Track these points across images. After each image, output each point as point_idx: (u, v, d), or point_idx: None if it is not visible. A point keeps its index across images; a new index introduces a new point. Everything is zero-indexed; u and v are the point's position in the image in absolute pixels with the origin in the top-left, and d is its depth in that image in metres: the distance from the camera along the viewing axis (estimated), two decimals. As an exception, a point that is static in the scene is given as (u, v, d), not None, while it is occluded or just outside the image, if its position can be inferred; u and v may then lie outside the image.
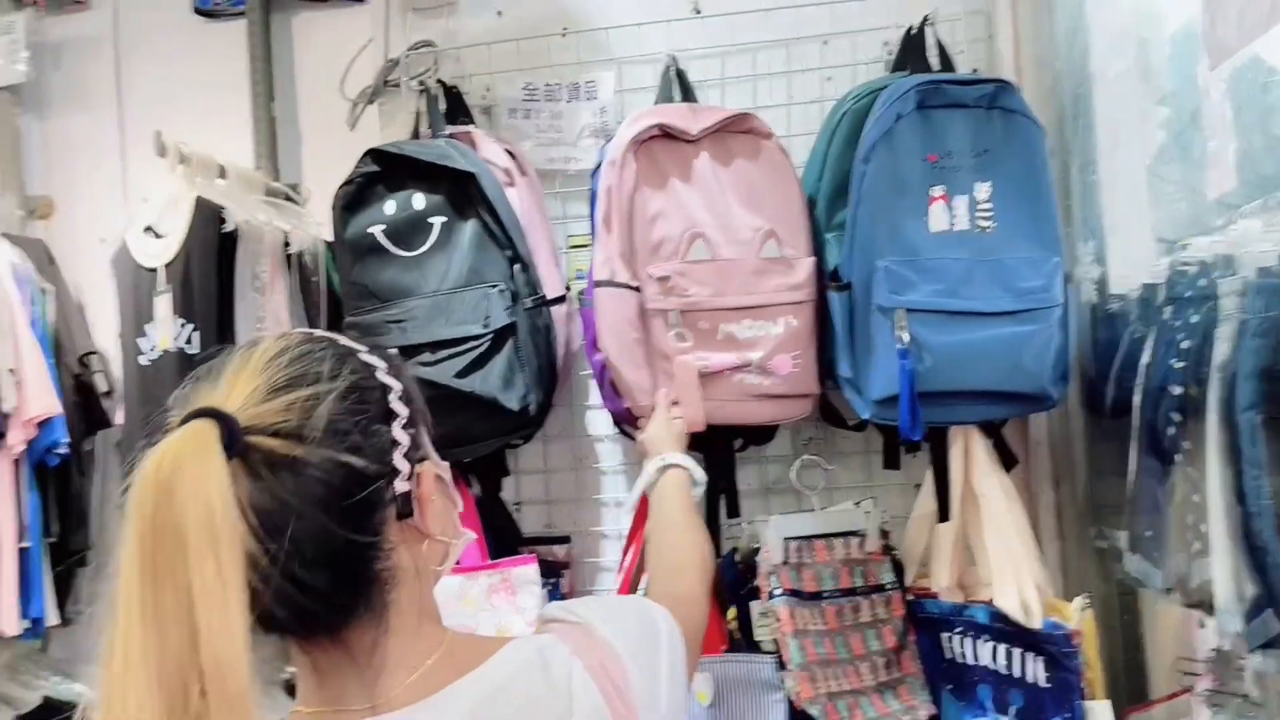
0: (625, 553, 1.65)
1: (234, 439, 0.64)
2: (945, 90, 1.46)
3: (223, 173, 1.85)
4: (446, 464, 0.81)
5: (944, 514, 1.53)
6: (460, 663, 0.75)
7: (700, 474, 1.30)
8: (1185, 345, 1.20)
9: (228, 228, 1.73)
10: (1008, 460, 1.55)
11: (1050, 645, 1.37)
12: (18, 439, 1.73)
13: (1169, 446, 1.24)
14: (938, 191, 1.47)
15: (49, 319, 1.90)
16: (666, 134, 1.53)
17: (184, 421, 0.64)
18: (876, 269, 1.44)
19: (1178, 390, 1.21)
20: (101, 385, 1.96)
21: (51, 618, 1.79)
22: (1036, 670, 1.40)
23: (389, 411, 0.74)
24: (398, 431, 0.73)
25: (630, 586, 1.60)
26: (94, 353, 1.97)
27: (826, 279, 1.52)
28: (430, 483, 0.76)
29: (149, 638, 0.59)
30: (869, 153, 1.45)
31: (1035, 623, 1.39)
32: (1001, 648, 1.45)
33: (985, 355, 1.43)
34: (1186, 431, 1.21)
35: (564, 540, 1.79)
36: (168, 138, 1.79)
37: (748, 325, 1.51)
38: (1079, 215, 1.65)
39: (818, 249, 1.56)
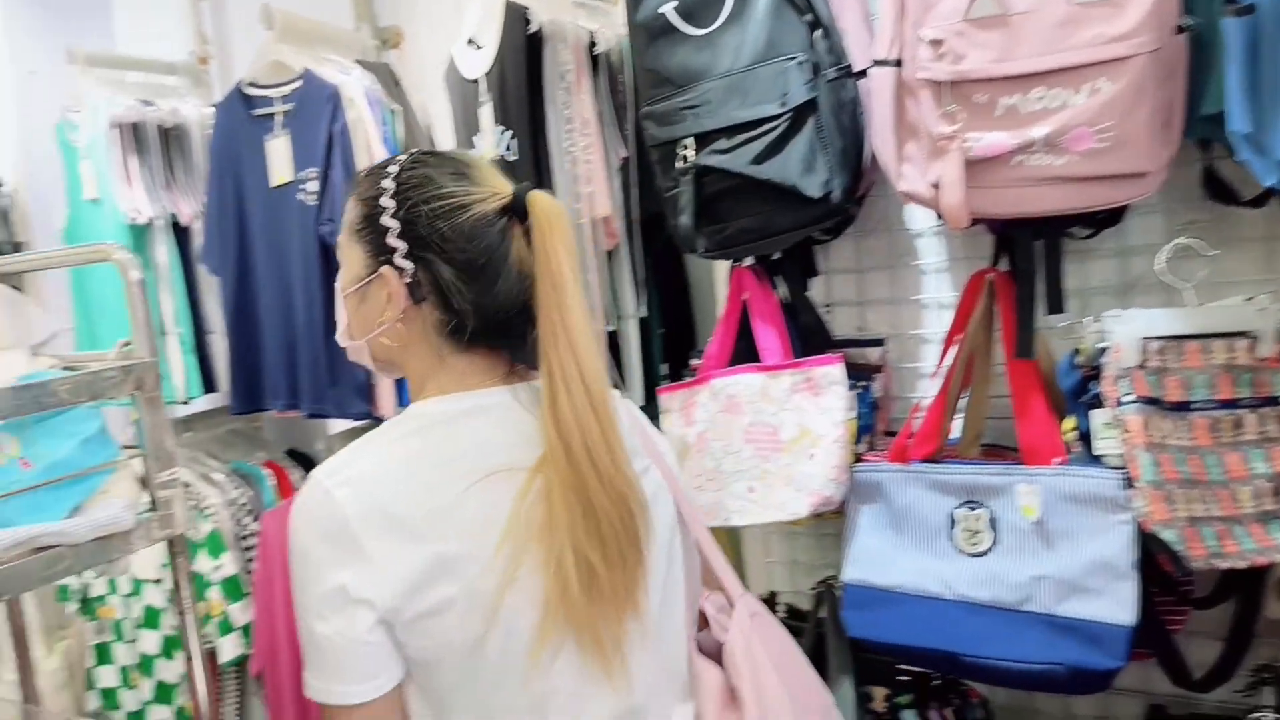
0: (944, 355, 1.48)
1: None
2: None
3: (535, -24, 1.84)
4: None
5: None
6: None
7: None
8: None
9: (532, 28, 1.74)
10: None
11: None
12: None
13: None
14: None
15: (399, 136, 2.05)
16: None
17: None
18: (1300, -20, 1.07)
19: None
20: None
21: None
22: None
23: None
24: None
25: (947, 395, 1.43)
26: (439, 168, 2.10)
27: (1214, 9, 1.16)
28: None
29: None
30: None
31: None
32: None
33: None
34: None
35: (878, 343, 1.63)
36: (478, -57, 1.81)
37: (1037, 96, 1.21)
38: None
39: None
